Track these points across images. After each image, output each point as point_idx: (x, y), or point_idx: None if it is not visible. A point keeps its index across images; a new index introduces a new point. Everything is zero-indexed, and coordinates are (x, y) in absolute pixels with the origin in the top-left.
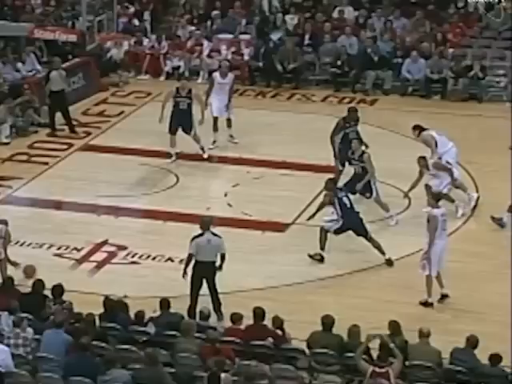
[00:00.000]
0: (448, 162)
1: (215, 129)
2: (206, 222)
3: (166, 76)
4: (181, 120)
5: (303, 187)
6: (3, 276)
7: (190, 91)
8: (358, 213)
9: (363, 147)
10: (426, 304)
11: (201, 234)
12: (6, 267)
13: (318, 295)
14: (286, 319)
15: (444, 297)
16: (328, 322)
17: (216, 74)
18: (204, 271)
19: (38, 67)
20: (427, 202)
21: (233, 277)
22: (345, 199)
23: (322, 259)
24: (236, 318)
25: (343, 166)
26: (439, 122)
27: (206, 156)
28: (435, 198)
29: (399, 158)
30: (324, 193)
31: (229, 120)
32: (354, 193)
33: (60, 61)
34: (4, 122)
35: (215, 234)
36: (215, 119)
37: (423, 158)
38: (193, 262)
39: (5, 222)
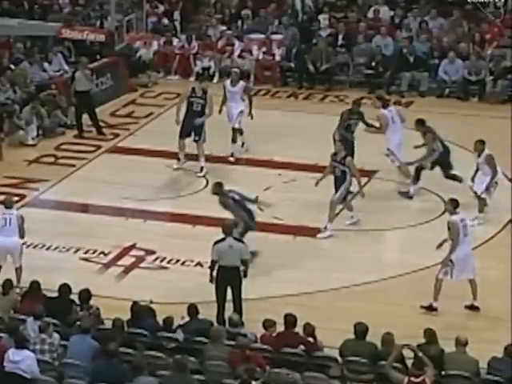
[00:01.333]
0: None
1: (233, 139)
2: (227, 227)
3: (196, 76)
4: (192, 124)
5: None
6: (18, 278)
7: (205, 92)
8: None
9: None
10: (429, 308)
11: (222, 239)
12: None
13: (350, 302)
14: (318, 326)
15: (474, 308)
16: (361, 330)
17: (227, 82)
18: (227, 277)
19: (66, 67)
20: (446, 209)
21: (264, 282)
22: (236, 196)
23: None
24: (269, 324)
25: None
26: (477, 125)
27: (232, 160)
28: (453, 204)
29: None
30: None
31: (233, 129)
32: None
33: (87, 61)
34: (30, 123)
35: (237, 239)
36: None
37: (482, 142)
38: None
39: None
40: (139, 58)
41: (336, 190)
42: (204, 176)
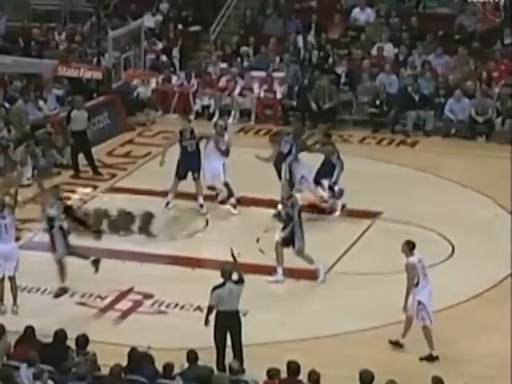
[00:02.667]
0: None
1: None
2: (227, 271)
3: (196, 115)
4: (190, 164)
5: (339, 232)
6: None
7: (192, 131)
8: None
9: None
10: (429, 358)
11: (222, 284)
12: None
13: (353, 348)
14: (322, 373)
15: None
16: (367, 378)
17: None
18: (227, 322)
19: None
20: (402, 251)
21: (265, 327)
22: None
23: None
24: (273, 373)
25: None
26: (484, 165)
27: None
28: (409, 245)
29: (441, 202)
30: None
31: (227, 185)
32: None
33: (82, 100)
34: (25, 164)
35: (237, 282)
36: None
37: None
38: (214, 312)
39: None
40: (137, 96)
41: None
42: (201, 214)
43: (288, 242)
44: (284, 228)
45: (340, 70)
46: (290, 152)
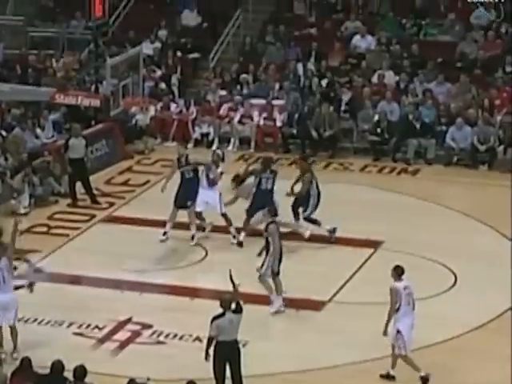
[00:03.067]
0: None
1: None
2: (226, 301)
3: (195, 143)
4: (188, 192)
5: (340, 262)
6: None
7: (187, 158)
8: None
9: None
10: (423, 380)
11: (222, 314)
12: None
13: (355, 379)
14: None
15: (390, 377)
16: None
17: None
18: (227, 352)
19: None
20: (391, 275)
21: (265, 358)
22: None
23: None
24: None
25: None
26: (486, 194)
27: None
28: (398, 271)
29: (442, 231)
30: None
31: (224, 215)
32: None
33: (79, 128)
34: (22, 192)
35: (236, 311)
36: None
37: None
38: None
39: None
40: (135, 123)
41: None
42: (200, 244)
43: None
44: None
45: (341, 97)
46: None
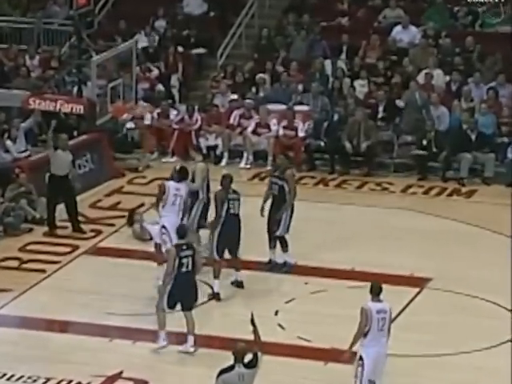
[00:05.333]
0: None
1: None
2: (239, 351)
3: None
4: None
5: None
6: None
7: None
8: None
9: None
10: None
11: (230, 368)
12: None
13: None
14: None
15: None
16: None
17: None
18: None
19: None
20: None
21: None
22: None
23: None
24: None
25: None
26: None
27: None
28: (375, 289)
29: (503, 266)
30: None
31: None
32: None
33: (67, 139)
34: None
35: (248, 365)
36: None
37: None
38: None
39: None
40: (126, 134)
41: None
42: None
43: None
44: None
45: (378, 102)
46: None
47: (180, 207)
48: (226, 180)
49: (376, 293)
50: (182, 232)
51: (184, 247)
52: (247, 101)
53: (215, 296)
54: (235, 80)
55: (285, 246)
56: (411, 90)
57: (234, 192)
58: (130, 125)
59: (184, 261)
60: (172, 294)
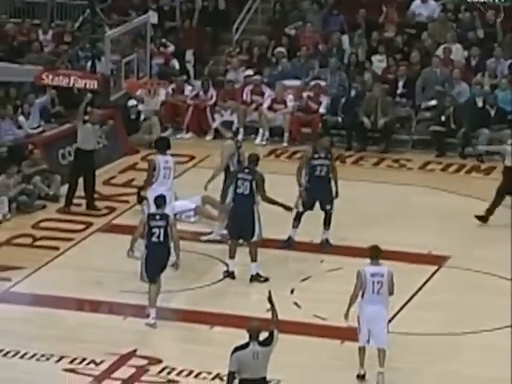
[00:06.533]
0: None
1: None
2: (253, 329)
3: (214, 135)
4: None
5: (395, 282)
6: None
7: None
8: None
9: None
10: (358, 377)
11: (245, 345)
12: None
13: None
14: None
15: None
16: None
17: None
18: None
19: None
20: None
21: None
22: None
23: None
24: None
25: (306, 210)
26: None
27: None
28: (373, 252)
29: None
30: None
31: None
32: None
33: (100, 113)
34: (0, 196)
35: (264, 343)
36: None
37: None
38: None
39: None
40: (138, 113)
41: None
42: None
43: None
44: None
45: (396, 77)
46: None
47: (172, 180)
48: (249, 158)
49: (373, 256)
50: (158, 202)
51: (157, 217)
52: (255, 76)
53: (229, 274)
54: (252, 55)
55: (328, 224)
56: (433, 65)
57: (249, 172)
58: (131, 102)
59: (155, 230)
60: (146, 265)
